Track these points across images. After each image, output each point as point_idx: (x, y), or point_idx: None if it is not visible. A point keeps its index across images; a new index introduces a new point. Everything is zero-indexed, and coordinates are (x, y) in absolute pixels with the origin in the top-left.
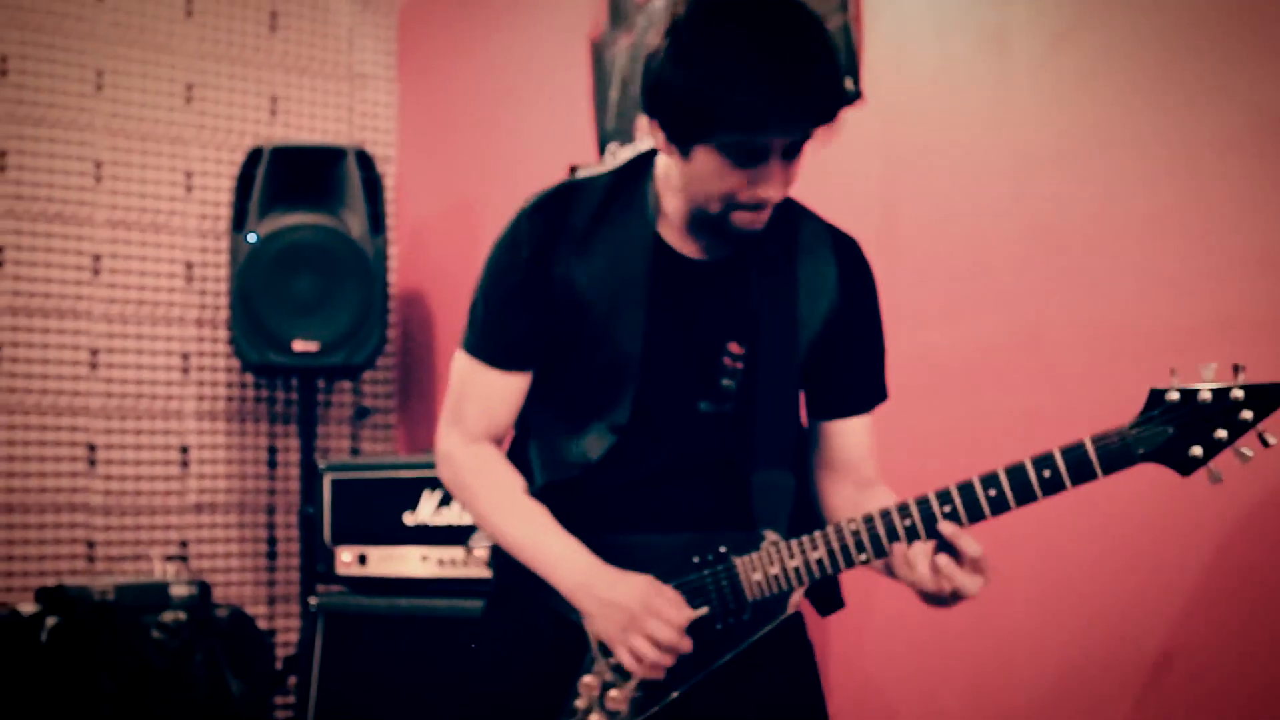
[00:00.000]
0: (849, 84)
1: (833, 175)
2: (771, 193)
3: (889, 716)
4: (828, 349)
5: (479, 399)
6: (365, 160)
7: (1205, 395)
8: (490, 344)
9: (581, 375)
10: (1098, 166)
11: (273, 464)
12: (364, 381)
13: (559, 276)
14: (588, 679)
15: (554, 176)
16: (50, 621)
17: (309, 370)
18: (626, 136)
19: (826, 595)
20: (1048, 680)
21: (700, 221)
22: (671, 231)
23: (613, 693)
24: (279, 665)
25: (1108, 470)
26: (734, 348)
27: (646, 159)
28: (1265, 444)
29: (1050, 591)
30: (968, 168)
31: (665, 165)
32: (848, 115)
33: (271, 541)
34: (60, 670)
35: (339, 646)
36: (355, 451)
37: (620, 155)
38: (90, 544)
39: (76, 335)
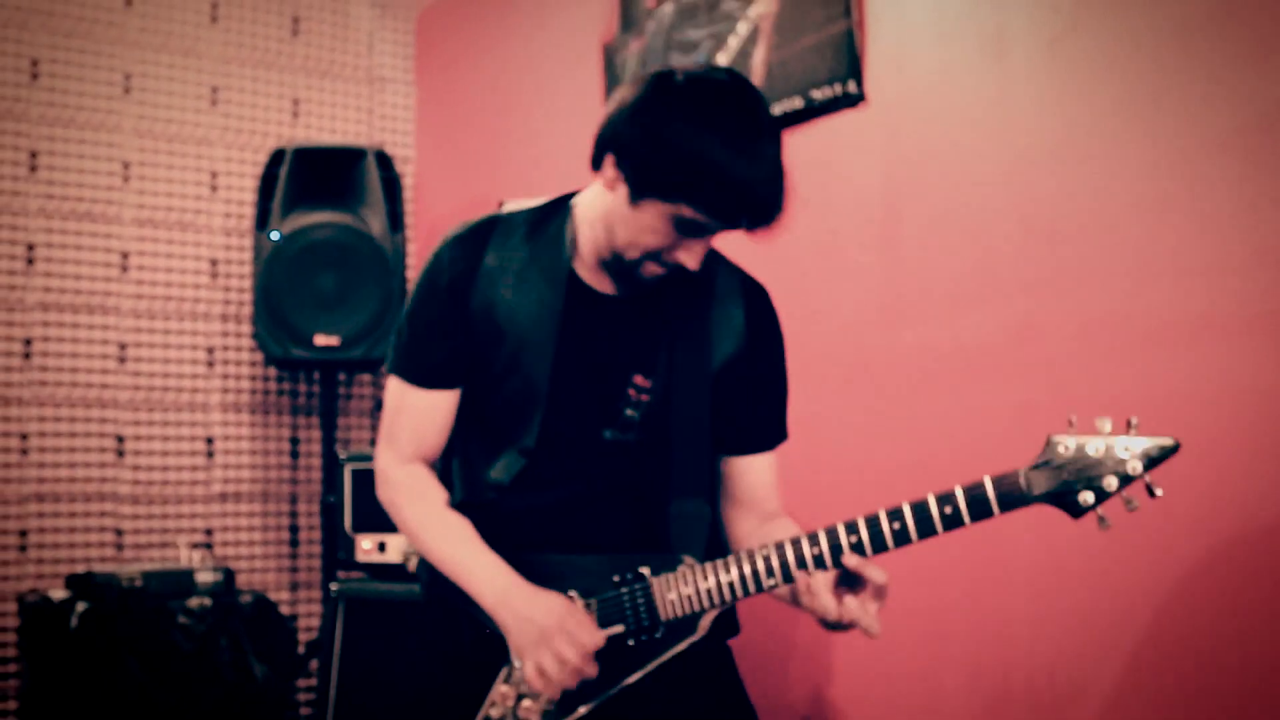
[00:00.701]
0: (843, 89)
1: (837, 174)
2: (691, 262)
3: (892, 699)
4: (730, 389)
5: (408, 418)
6: (384, 160)
7: (1098, 446)
8: (413, 364)
9: (496, 401)
10: (1094, 165)
11: (295, 455)
12: (383, 375)
13: (476, 305)
14: (503, 688)
15: (566, 175)
16: (80, 607)
17: (330, 364)
18: None
19: (725, 622)
20: (1044, 665)
21: (609, 264)
22: (585, 269)
23: (526, 703)
24: (301, 649)
25: (1004, 509)
26: (639, 380)
27: (564, 200)
28: (1152, 495)
29: (1046, 581)
30: (967, 167)
31: (588, 205)
32: (850, 116)
33: (294, 530)
34: (90, 654)
35: (359, 631)
36: (375, 443)
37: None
38: (119, 532)
39: (105, 330)
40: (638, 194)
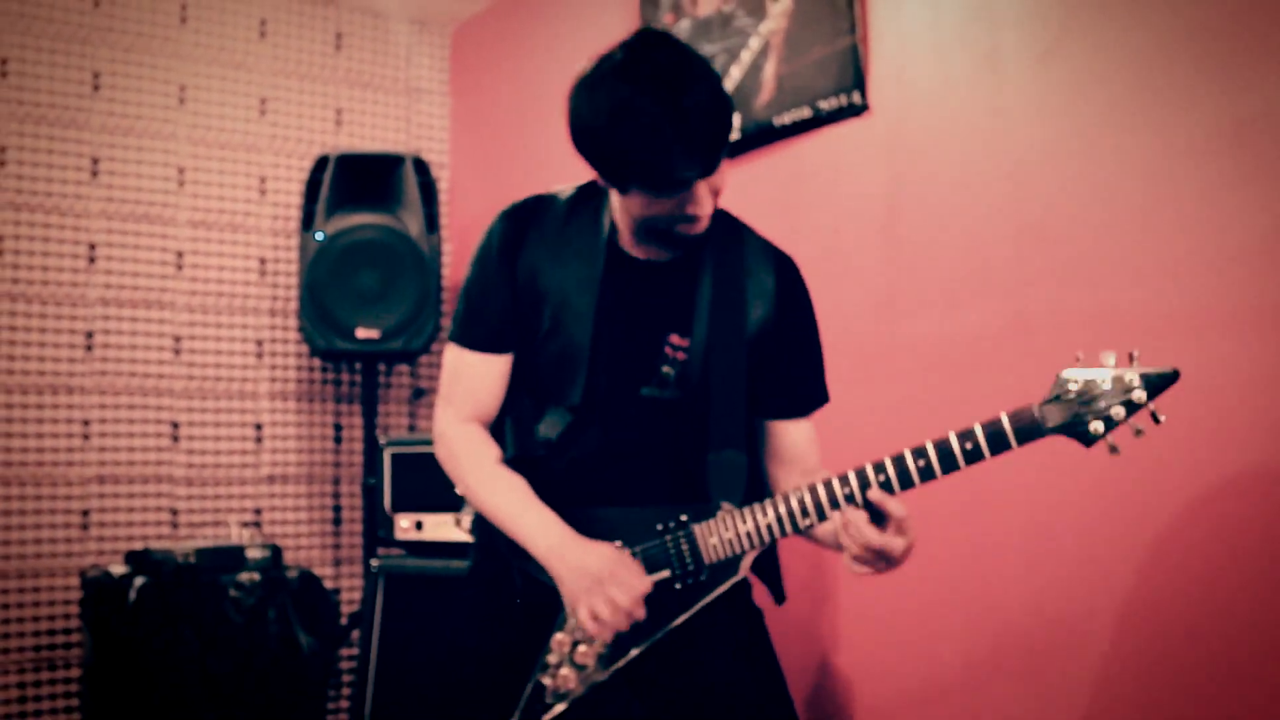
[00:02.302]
0: (848, 100)
1: (842, 179)
2: (699, 210)
3: (893, 656)
4: (767, 355)
5: (465, 382)
6: (421, 166)
7: (1104, 378)
8: (469, 331)
9: (543, 361)
10: (1082, 170)
11: (338, 440)
12: (420, 365)
13: (524, 273)
14: (560, 636)
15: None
16: (138, 581)
17: (371, 355)
18: None
19: (773, 588)
20: (1037, 624)
21: (648, 232)
22: (624, 238)
23: (581, 649)
24: (344, 621)
25: (1021, 442)
26: (675, 339)
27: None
28: (1156, 421)
29: (1036, 542)
30: (964, 172)
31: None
32: (855, 125)
33: (337, 510)
34: (147, 625)
35: (398, 604)
36: (412, 428)
37: None
38: (174, 512)
39: (161, 324)
40: (613, 185)
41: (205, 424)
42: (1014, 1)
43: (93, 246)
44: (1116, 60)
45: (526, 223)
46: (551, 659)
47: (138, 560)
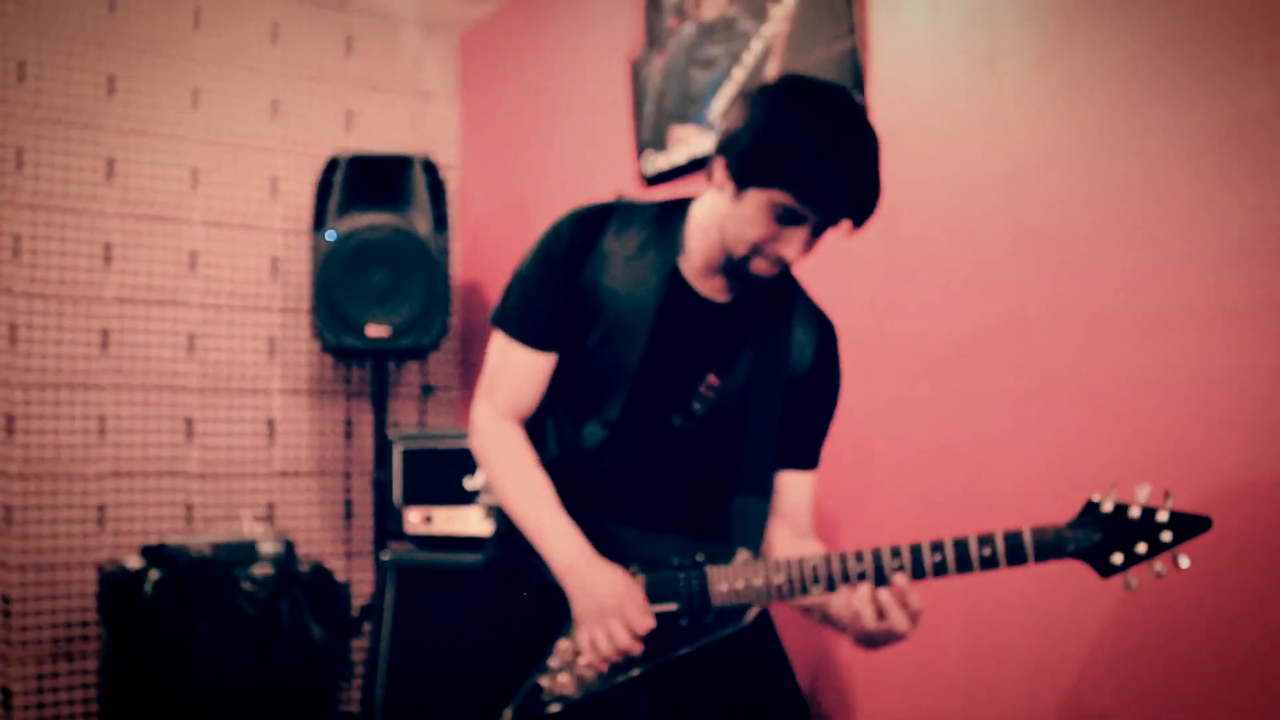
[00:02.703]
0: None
1: None
2: (790, 254)
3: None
4: (791, 405)
5: (508, 375)
6: (430, 167)
7: (1135, 513)
8: (520, 324)
9: (587, 372)
10: (1078, 172)
11: (349, 435)
12: (429, 362)
13: (585, 280)
14: (564, 643)
15: (597, 181)
16: (154, 575)
17: (381, 352)
18: (660, 145)
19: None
20: (1037, 622)
21: (722, 266)
22: (690, 269)
23: (583, 660)
24: (355, 613)
25: (1040, 559)
26: (711, 379)
27: (685, 203)
28: (1179, 566)
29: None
30: (962, 174)
31: (703, 209)
32: None
33: (348, 504)
34: (163, 618)
35: (408, 596)
36: (422, 424)
37: (655, 164)
38: (188, 506)
39: (176, 322)
40: (741, 185)
41: (219, 420)
42: (1012, 6)
43: (108, 246)
44: (1112, 64)
45: (599, 230)
46: (553, 663)
47: (153, 554)
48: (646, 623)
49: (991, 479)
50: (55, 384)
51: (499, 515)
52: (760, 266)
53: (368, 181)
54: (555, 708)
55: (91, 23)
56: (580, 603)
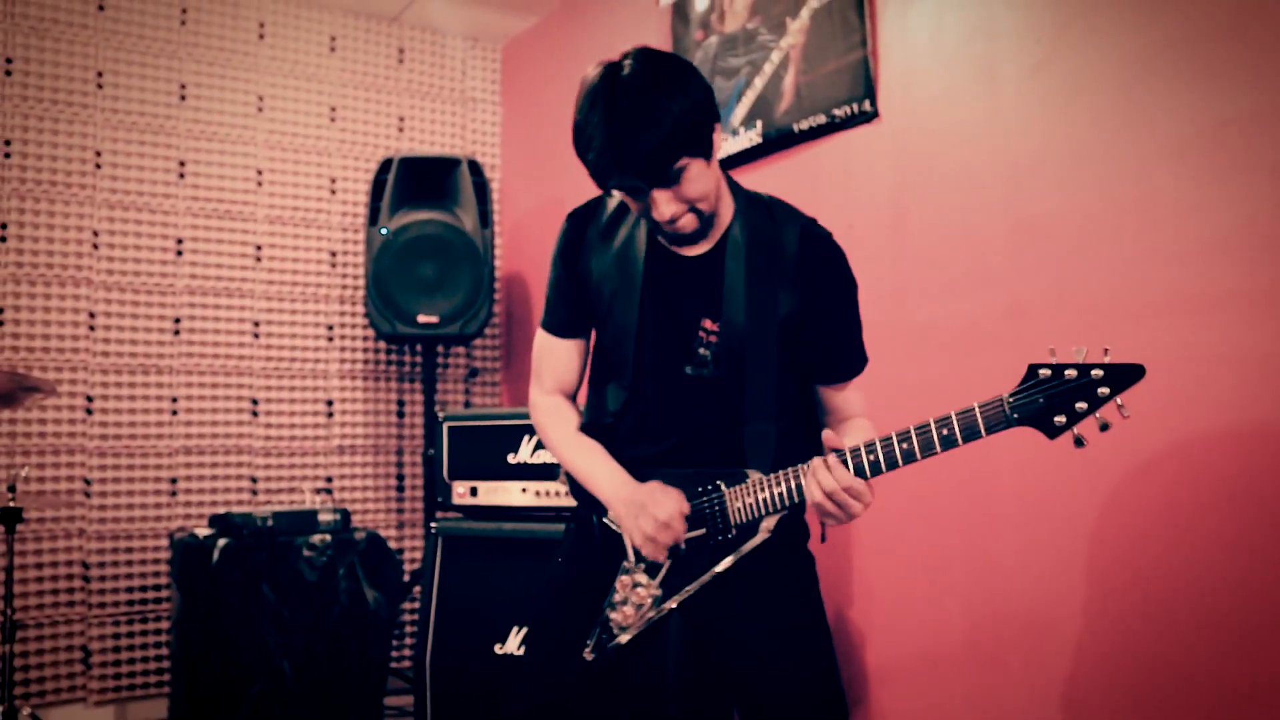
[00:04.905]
0: (860, 108)
1: (853, 180)
2: (660, 214)
3: (903, 608)
4: (801, 330)
5: (549, 361)
6: (475, 168)
7: (1071, 372)
8: (550, 319)
9: (606, 344)
10: (1073, 170)
11: (401, 415)
12: (475, 347)
13: (583, 266)
14: (624, 578)
15: None
16: (221, 543)
17: (430, 338)
18: None
19: (794, 527)
20: (1037, 590)
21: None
22: (665, 236)
23: (640, 590)
24: (406, 578)
25: (989, 430)
26: (707, 324)
27: None
28: (1124, 415)
29: (1034, 516)
30: (964, 173)
31: None
32: (866, 130)
33: (400, 478)
34: (229, 582)
35: (455, 562)
36: (468, 404)
37: None
38: (253, 479)
39: (242, 310)
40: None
41: (281, 400)
42: (1009, 18)
43: (180, 241)
44: (1104, 70)
45: (585, 222)
46: (617, 597)
47: (221, 523)
48: (681, 503)
49: (994, 464)
50: (131, 368)
51: (569, 477)
52: (666, 230)
53: (418, 181)
54: (625, 638)
55: (164, 35)
56: (625, 514)
